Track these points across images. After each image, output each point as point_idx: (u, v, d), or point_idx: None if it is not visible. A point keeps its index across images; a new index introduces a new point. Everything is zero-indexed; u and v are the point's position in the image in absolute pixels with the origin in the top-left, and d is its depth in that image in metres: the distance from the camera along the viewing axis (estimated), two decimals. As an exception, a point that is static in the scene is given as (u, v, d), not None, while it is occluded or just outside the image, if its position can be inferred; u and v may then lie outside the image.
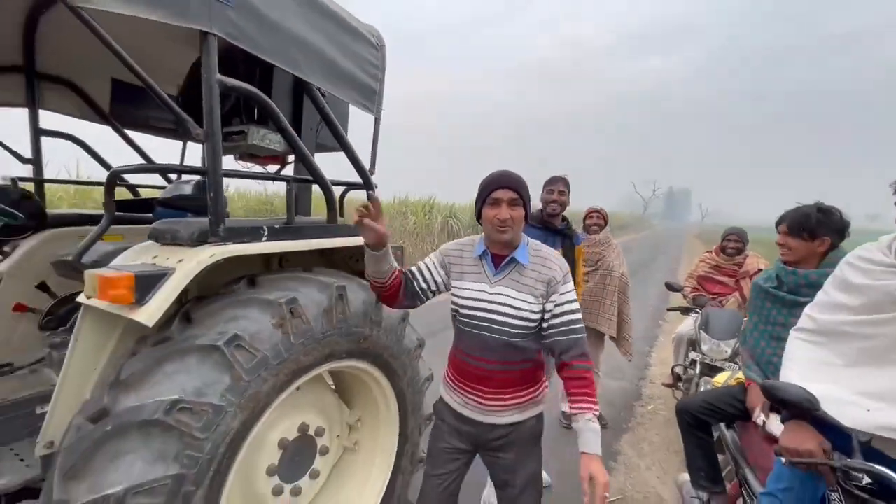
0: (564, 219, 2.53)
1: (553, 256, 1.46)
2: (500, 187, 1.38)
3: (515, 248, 1.42)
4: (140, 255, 1.41)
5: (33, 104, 2.24)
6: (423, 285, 1.51)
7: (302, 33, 1.55)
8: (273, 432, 1.58)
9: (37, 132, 2.28)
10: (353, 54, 1.80)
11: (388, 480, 1.95)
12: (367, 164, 1.99)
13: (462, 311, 1.46)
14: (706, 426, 1.98)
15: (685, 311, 3.53)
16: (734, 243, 3.48)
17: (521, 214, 1.39)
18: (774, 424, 1.65)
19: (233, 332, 1.26)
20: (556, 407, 3.55)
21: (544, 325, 1.41)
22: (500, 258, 1.44)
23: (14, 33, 2.11)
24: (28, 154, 2.27)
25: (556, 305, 1.38)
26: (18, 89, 2.22)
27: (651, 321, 7.07)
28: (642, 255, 18.38)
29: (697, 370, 3.20)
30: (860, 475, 1.11)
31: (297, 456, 1.69)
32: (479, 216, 1.45)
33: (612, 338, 3.46)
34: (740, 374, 2.54)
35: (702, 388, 3.07)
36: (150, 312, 1.17)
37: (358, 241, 1.83)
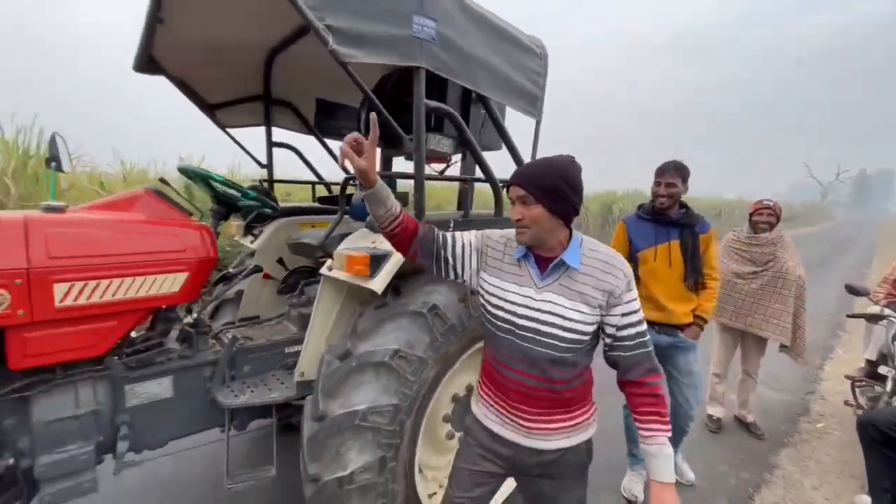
0: (683, 206, 2.34)
1: (615, 260, 1.23)
2: (512, 183, 1.22)
3: (563, 248, 1.22)
4: (360, 240, 1.85)
5: (268, 123, 2.97)
6: (450, 258, 1.32)
7: (483, 56, 1.82)
8: (449, 387, 1.93)
9: (270, 144, 3.01)
10: (521, 66, 2.03)
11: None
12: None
13: (500, 313, 1.25)
14: (895, 443, 1.79)
15: (872, 318, 3.03)
16: None
17: (536, 213, 1.17)
18: None
19: (432, 303, 1.61)
20: (702, 409, 3.39)
21: (607, 339, 1.24)
22: (545, 260, 1.23)
23: (258, 72, 2.81)
24: (264, 161, 3.02)
25: (622, 316, 1.20)
26: (259, 113, 2.96)
27: (826, 330, 6.06)
28: (815, 253, 15.41)
29: (889, 387, 2.77)
30: None
31: (464, 410, 2.03)
32: None
33: (782, 346, 3.16)
34: None
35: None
36: (379, 283, 1.57)
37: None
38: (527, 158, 2.17)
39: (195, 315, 1.97)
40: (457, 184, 2.64)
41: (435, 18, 1.61)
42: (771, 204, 3.10)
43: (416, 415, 1.60)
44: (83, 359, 1.57)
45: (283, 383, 1.97)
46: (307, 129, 3.18)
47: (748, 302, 3.10)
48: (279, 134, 3.07)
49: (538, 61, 2.12)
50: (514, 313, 1.23)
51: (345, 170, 3.37)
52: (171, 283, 1.68)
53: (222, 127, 2.91)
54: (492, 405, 1.33)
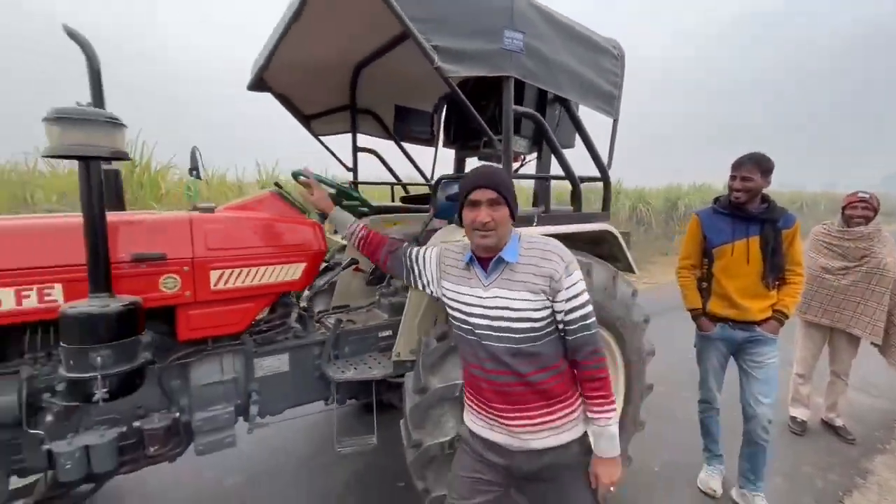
0: (766, 199, 2.23)
1: (552, 246, 1.30)
2: (477, 187, 1.26)
3: (501, 248, 1.30)
4: (450, 234, 2.04)
5: (354, 130, 3.26)
6: (415, 268, 1.51)
7: (564, 60, 1.95)
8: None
9: (355, 149, 3.31)
10: (599, 68, 2.13)
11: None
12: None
13: (459, 316, 1.35)
14: None
15: None
16: None
17: (504, 215, 1.27)
18: None
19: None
20: (783, 412, 3.28)
21: (559, 325, 1.29)
22: (487, 261, 1.32)
23: (345, 85, 3.11)
24: (350, 164, 3.32)
25: (566, 301, 1.25)
26: (345, 121, 3.26)
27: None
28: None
29: None
30: None
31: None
32: (460, 220, 1.36)
33: (875, 345, 2.99)
34: None
35: None
36: (474, 273, 1.75)
37: (596, 227, 2.19)
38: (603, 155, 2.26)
39: (304, 301, 2.26)
40: (528, 182, 2.77)
41: (523, 31, 1.76)
42: (867, 196, 2.93)
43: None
44: (227, 334, 1.89)
45: (379, 363, 2.22)
46: (387, 134, 3.45)
47: (837, 298, 2.96)
48: (362, 140, 3.36)
49: (615, 62, 2.21)
50: (470, 314, 1.31)
51: (423, 175, 3.62)
52: (293, 272, 1.97)
53: (316, 135, 3.24)
54: (475, 410, 1.39)
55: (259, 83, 2.78)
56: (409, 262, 1.53)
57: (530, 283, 1.25)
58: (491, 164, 1.35)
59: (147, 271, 1.63)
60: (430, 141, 3.68)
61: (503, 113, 1.82)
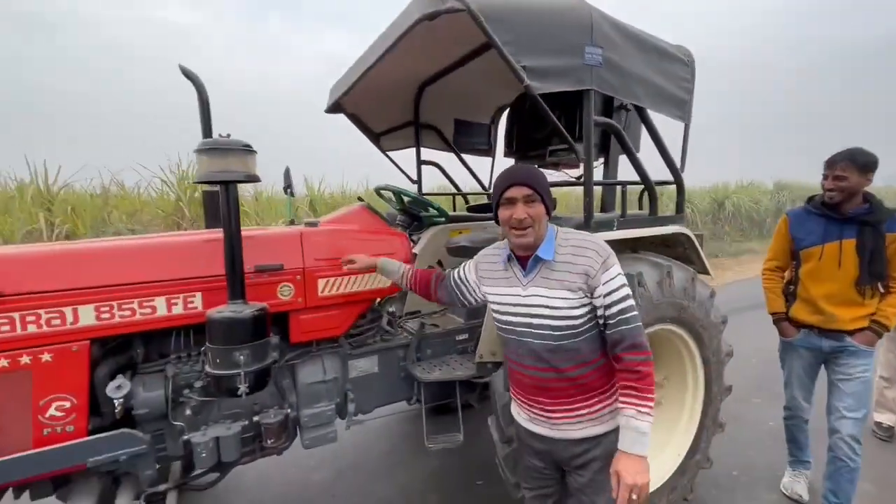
0: (867, 199, 2.07)
1: (588, 242, 1.30)
2: (512, 184, 1.28)
3: (538, 246, 1.31)
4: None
5: (418, 144, 3.44)
6: (462, 288, 1.60)
7: (639, 71, 2.03)
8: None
9: (419, 162, 3.48)
10: (671, 75, 2.20)
11: (694, 435, 2.29)
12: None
13: (502, 317, 1.40)
14: None
15: None
16: None
17: (540, 211, 1.29)
18: None
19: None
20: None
21: (600, 321, 1.29)
22: (525, 260, 1.34)
23: (410, 102, 3.29)
24: (414, 177, 3.50)
25: (604, 297, 1.24)
26: (410, 137, 3.45)
27: None
28: None
29: None
30: None
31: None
32: (496, 219, 1.38)
33: None
34: None
35: None
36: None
37: (671, 229, 2.23)
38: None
39: (390, 308, 2.42)
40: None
41: (602, 46, 1.86)
42: None
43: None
44: (330, 337, 2.06)
45: (462, 364, 2.34)
46: (448, 147, 3.61)
47: None
48: (425, 154, 3.54)
49: (686, 68, 2.27)
50: (511, 313, 1.35)
51: (482, 185, 3.76)
52: (386, 280, 2.13)
53: (384, 151, 3.44)
54: (521, 403, 1.46)
55: (335, 106, 3.00)
56: (454, 286, 1.63)
57: (567, 281, 1.25)
58: (524, 164, 1.40)
59: (267, 280, 1.83)
60: (487, 151, 3.82)
61: (584, 124, 1.92)
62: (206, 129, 1.82)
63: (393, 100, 3.18)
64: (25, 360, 1.45)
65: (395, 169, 3.48)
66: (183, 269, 1.70)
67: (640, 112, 2.12)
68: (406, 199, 2.41)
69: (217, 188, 2.42)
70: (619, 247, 2.13)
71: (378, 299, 2.29)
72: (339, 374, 2.11)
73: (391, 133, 3.40)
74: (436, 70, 2.94)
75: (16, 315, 1.43)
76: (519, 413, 1.51)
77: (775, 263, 2.39)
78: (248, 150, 1.57)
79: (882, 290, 2.11)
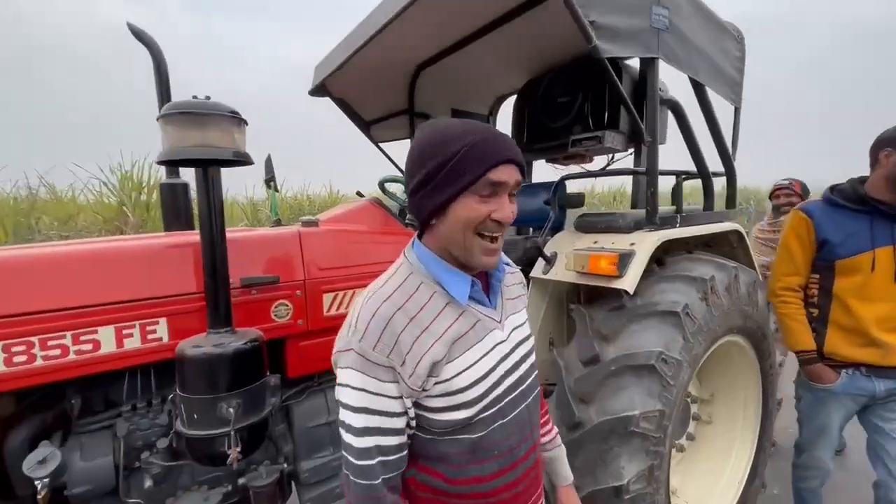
0: None
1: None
2: (505, 161, 0.74)
3: None
4: (574, 240, 1.80)
5: (413, 135, 3.04)
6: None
7: (700, 42, 1.75)
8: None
9: (414, 157, 3.08)
10: (727, 52, 1.94)
11: (752, 457, 2.03)
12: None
13: (475, 397, 0.79)
14: None
15: None
16: None
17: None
18: None
19: (684, 302, 1.53)
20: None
21: None
22: (485, 281, 0.88)
23: (404, 88, 2.89)
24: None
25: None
26: (404, 127, 3.04)
27: None
28: None
29: None
30: None
31: (680, 416, 1.91)
32: (437, 213, 0.76)
33: None
34: None
35: None
36: (630, 282, 1.51)
37: (728, 227, 1.97)
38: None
39: None
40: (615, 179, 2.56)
41: (668, 7, 1.56)
42: (786, 184, 2.79)
43: (672, 421, 1.52)
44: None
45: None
46: (445, 139, 3.24)
47: None
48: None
49: (738, 46, 2.02)
50: (496, 381, 0.82)
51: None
52: None
53: (376, 143, 3.01)
54: None
55: (320, 88, 2.56)
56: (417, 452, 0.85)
57: (523, 295, 0.97)
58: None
59: (257, 298, 1.37)
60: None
61: (648, 100, 1.60)
62: (165, 96, 1.35)
63: (386, 84, 2.76)
64: None
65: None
66: (139, 287, 1.22)
67: (699, 90, 1.84)
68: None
69: (178, 178, 1.98)
70: (675, 246, 1.85)
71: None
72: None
73: (383, 122, 2.98)
74: (435, 51, 2.56)
75: None
76: None
77: (797, 281, 1.78)
78: (235, 117, 1.13)
79: None
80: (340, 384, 0.75)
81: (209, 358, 1.10)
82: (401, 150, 3.10)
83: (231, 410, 1.09)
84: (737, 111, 2.06)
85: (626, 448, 1.43)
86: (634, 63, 2.31)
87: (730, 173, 2.03)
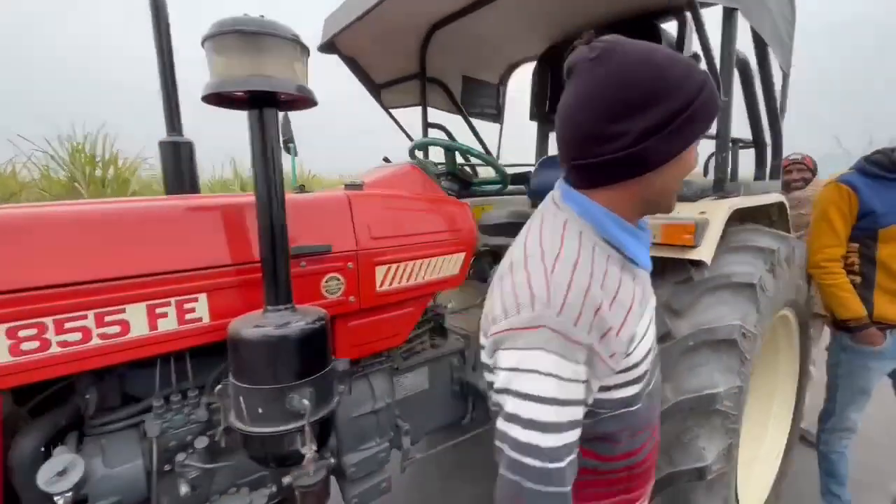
0: None
1: None
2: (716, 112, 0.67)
3: None
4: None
5: (424, 102, 2.82)
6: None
7: (770, 3, 1.64)
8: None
9: (426, 125, 2.87)
10: (783, 14, 1.84)
11: (787, 438, 2.02)
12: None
13: (647, 375, 0.73)
14: None
15: None
16: None
17: None
18: None
19: (759, 274, 1.45)
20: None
21: None
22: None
23: (416, 50, 2.66)
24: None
25: None
26: (415, 93, 2.81)
27: None
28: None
29: None
30: None
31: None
32: (668, 160, 0.64)
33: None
34: None
35: None
36: (708, 252, 1.41)
37: (776, 198, 1.91)
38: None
39: (448, 303, 1.85)
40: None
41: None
42: (799, 158, 2.80)
43: (743, 398, 1.45)
44: (388, 349, 1.45)
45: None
46: (455, 107, 3.03)
47: None
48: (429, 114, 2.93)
49: (792, 10, 1.93)
50: (652, 348, 0.75)
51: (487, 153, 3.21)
52: (454, 265, 1.55)
53: (386, 108, 2.78)
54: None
55: (329, 45, 2.30)
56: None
57: None
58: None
59: (307, 271, 1.17)
60: (496, 117, 3.31)
61: (725, 57, 1.48)
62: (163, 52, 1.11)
63: (398, 44, 2.53)
64: None
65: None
66: (174, 256, 0.99)
67: (762, 51, 1.74)
68: (464, 156, 1.82)
69: (180, 135, 1.72)
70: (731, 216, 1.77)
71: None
72: (390, 399, 1.51)
73: (394, 85, 2.75)
74: (450, 10, 2.35)
75: None
76: None
77: (840, 252, 1.80)
78: (298, 42, 0.91)
79: None
80: (516, 369, 0.60)
81: (275, 340, 0.90)
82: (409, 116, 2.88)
83: (305, 402, 0.90)
84: (786, 77, 1.99)
85: (705, 428, 1.35)
86: (671, 29, 2.21)
87: (777, 142, 1.97)
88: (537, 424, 0.59)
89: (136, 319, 0.93)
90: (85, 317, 0.87)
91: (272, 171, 0.93)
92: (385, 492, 1.47)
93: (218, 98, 0.90)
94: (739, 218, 1.86)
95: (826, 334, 2.34)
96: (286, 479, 1.21)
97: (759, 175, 1.88)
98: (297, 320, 0.94)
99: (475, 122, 3.18)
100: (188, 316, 0.99)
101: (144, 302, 0.93)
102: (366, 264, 1.28)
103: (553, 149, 3.06)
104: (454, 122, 3.04)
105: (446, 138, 2.90)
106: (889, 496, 2.20)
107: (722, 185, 1.55)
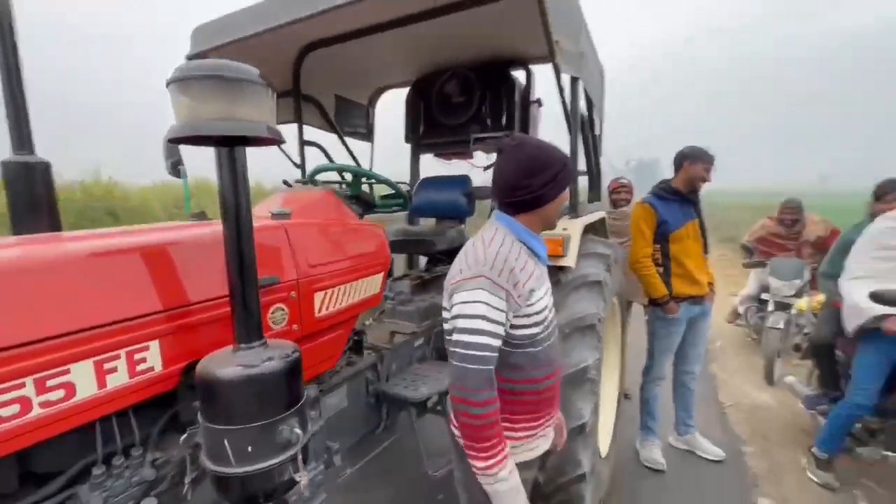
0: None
1: None
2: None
3: None
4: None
5: (299, 119, 2.78)
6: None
7: (594, 69, 2.20)
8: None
9: (302, 142, 2.82)
10: (601, 86, 2.47)
11: (618, 384, 2.69)
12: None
13: (546, 324, 1.15)
14: (832, 347, 2.67)
15: (758, 264, 4.36)
16: (790, 215, 4.12)
17: None
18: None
19: (603, 273, 1.95)
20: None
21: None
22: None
23: (288, 68, 2.63)
24: (298, 160, 2.82)
25: None
26: (289, 109, 2.75)
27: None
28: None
29: (771, 306, 4.06)
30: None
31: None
32: (553, 199, 1.13)
33: None
34: (819, 298, 3.36)
35: (775, 319, 3.89)
36: (572, 259, 1.85)
37: (601, 214, 2.53)
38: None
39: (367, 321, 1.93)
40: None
41: (586, 35, 1.93)
42: (625, 182, 3.80)
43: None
44: (322, 373, 1.48)
45: (439, 372, 2.07)
46: (329, 126, 3.06)
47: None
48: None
49: (602, 78, 2.60)
50: (551, 309, 1.18)
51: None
52: (374, 285, 1.67)
53: (262, 124, 2.64)
54: (535, 431, 1.19)
55: (200, 57, 2.12)
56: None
57: None
58: None
59: (255, 304, 1.16)
60: (367, 136, 3.43)
61: (571, 113, 1.93)
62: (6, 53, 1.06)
63: (271, 62, 2.47)
64: None
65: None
66: (119, 302, 0.90)
67: (590, 108, 2.32)
68: (363, 181, 1.92)
69: (31, 154, 1.41)
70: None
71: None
72: (322, 421, 1.54)
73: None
74: (325, 35, 2.42)
75: None
76: (533, 446, 1.21)
77: (650, 251, 2.44)
78: (267, 84, 0.95)
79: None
80: (465, 301, 1.03)
81: (261, 377, 0.90)
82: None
83: (297, 431, 0.93)
84: (601, 128, 2.67)
85: (580, 392, 1.77)
86: (519, 75, 2.73)
87: (599, 175, 2.63)
88: (476, 332, 1.01)
89: (83, 379, 0.82)
90: (22, 385, 0.75)
91: (243, 207, 0.94)
92: None
93: (187, 137, 0.87)
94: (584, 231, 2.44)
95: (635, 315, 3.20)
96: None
97: (591, 198, 2.49)
98: (277, 355, 0.96)
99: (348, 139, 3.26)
100: (139, 367, 0.91)
101: (91, 359, 0.83)
102: (306, 292, 1.31)
103: (424, 171, 3.32)
104: (329, 140, 3.07)
105: (354, 164, 2.93)
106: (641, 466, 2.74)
107: (575, 208, 2.04)
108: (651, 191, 2.55)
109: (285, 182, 2.04)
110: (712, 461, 2.73)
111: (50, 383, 0.78)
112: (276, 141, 0.99)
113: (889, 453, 2.34)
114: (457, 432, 1.16)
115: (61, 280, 0.83)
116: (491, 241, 1.09)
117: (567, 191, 1.18)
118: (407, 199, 2.08)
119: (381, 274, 1.70)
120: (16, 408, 0.74)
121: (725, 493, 2.50)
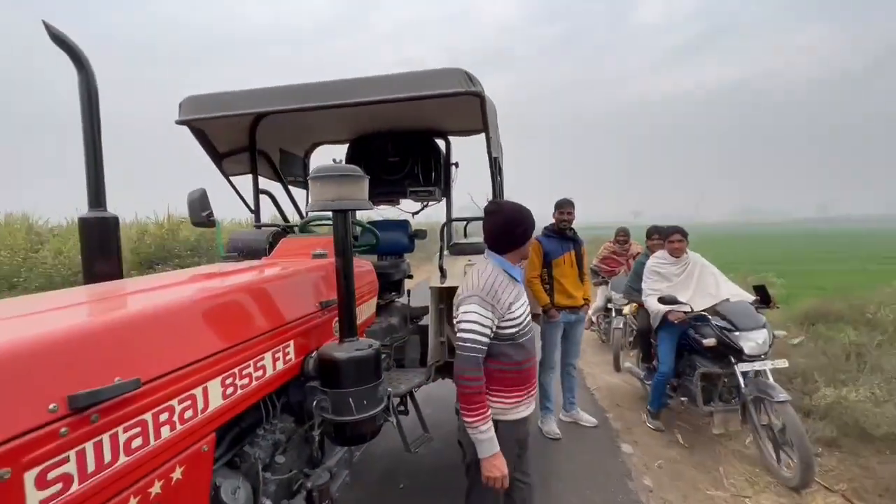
0: (571, 228, 3.61)
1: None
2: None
3: None
4: (454, 261, 2.77)
5: (255, 171, 3.13)
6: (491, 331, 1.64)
7: (498, 135, 3.11)
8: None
9: (257, 191, 3.16)
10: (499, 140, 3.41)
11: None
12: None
13: (523, 326, 1.71)
14: (649, 334, 3.96)
15: (602, 283, 5.87)
16: (623, 237, 5.86)
17: None
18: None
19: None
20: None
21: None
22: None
23: (245, 132, 3.01)
24: (253, 206, 3.14)
25: None
26: (246, 162, 3.08)
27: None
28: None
29: (613, 313, 5.51)
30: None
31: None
32: (524, 243, 1.76)
33: None
34: (630, 307, 4.80)
35: (617, 321, 5.31)
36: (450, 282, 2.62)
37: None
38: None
39: None
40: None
41: (496, 127, 2.83)
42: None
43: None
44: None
45: (404, 375, 2.64)
46: (276, 176, 3.43)
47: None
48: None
49: (497, 135, 3.56)
50: (525, 317, 1.75)
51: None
52: (372, 307, 2.22)
53: (226, 175, 2.93)
54: (520, 399, 1.70)
55: (186, 121, 2.45)
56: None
57: None
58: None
59: (327, 318, 1.66)
60: (304, 184, 3.84)
61: (493, 178, 2.78)
62: (89, 121, 1.56)
63: (235, 125, 2.87)
64: (156, 489, 0.89)
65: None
66: (277, 313, 1.37)
67: (497, 163, 3.19)
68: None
69: (103, 210, 1.67)
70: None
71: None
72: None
73: (232, 156, 2.96)
74: (273, 109, 2.87)
75: (148, 416, 0.87)
76: (518, 410, 1.72)
77: (538, 273, 3.46)
78: (359, 175, 1.53)
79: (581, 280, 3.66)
80: (464, 312, 1.60)
81: (365, 359, 1.43)
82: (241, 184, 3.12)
83: (389, 389, 1.47)
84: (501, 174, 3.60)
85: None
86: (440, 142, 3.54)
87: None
88: (471, 331, 1.57)
89: (268, 364, 1.28)
90: (247, 364, 1.20)
91: (347, 248, 1.49)
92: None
93: (321, 209, 1.41)
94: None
95: None
96: (309, 484, 1.61)
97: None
98: (368, 345, 1.50)
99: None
100: (287, 357, 1.38)
101: (270, 351, 1.30)
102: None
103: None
104: (277, 188, 3.44)
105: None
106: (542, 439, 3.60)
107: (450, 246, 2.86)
108: (542, 230, 3.60)
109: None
110: (590, 427, 3.74)
111: (260, 363, 1.23)
112: (366, 207, 1.57)
113: (684, 399, 3.59)
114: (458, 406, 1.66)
115: (251, 303, 1.29)
116: (483, 271, 1.69)
117: (532, 235, 1.81)
118: (378, 240, 2.66)
119: (375, 298, 2.26)
120: (246, 380, 1.18)
121: (601, 445, 3.50)
